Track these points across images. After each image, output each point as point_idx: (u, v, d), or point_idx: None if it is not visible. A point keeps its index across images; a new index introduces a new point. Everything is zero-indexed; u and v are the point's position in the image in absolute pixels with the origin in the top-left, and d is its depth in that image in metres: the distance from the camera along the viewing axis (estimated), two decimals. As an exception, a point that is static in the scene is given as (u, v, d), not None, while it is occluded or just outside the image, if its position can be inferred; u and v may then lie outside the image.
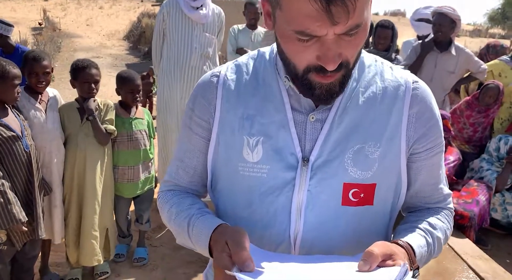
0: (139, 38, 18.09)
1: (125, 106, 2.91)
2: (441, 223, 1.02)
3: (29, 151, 2.34)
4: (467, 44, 22.96)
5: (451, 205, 1.10)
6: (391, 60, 4.02)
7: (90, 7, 29.19)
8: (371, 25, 4.35)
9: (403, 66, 3.20)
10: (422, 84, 0.99)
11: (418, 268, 0.85)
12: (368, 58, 0.99)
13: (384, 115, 0.94)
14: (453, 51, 3.80)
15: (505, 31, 32.19)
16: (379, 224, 1.00)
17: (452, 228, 1.06)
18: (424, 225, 0.98)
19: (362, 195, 0.94)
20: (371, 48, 4.08)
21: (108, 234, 2.80)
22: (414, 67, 3.80)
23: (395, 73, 0.98)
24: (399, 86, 0.96)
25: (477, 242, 3.47)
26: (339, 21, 0.74)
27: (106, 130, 2.66)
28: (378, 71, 0.97)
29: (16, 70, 2.30)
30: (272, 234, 0.96)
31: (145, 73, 7.24)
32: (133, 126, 2.88)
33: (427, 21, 4.42)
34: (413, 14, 4.84)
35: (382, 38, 3.97)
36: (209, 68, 3.65)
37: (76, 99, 2.71)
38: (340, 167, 0.92)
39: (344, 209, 0.94)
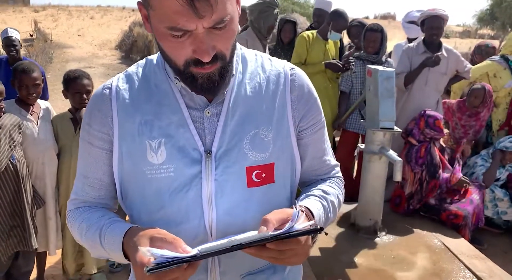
0: (131, 47, 18.10)
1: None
2: (333, 189, 1.16)
3: (15, 162, 2.33)
4: (457, 45, 23.13)
5: (339, 174, 1.24)
6: (382, 63, 4.04)
7: (81, 18, 29.19)
8: (363, 28, 4.38)
9: (393, 70, 3.22)
10: (298, 71, 1.12)
11: (319, 229, 0.91)
12: (249, 53, 1.10)
13: (270, 101, 1.05)
14: (444, 53, 3.84)
15: (494, 32, 32.48)
16: (283, 199, 1.10)
17: (344, 194, 1.21)
18: (318, 192, 1.11)
19: (264, 175, 1.03)
20: (362, 52, 4.10)
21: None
22: (411, 77, 3.82)
23: (274, 64, 1.10)
24: (279, 74, 1.08)
25: (473, 241, 3.48)
26: (204, 14, 0.81)
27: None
28: (259, 64, 1.09)
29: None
30: (187, 228, 0.99)
31: None
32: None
33: (417, 24, 4.46)
34: (405, 16, 4.86)
35: (372, 42, 3.99)
36: None
37: (69, 110, 2.71)
38: (240, 153, 1.01)
39: (250, 190, 1.02)
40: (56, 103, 6.41)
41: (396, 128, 3.19)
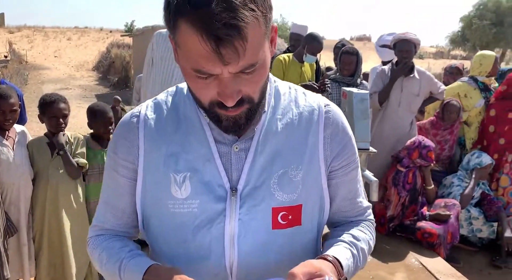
0: (109, 68, 18.05)
1: (97, 138, 2.90)
2: (364, 234, 1.08)
3: None
4: (430, 66, 23.75)
5: (371, 217, 1.16)
6: (357, 85, 4.13)
7: (57, 39, 29.00)
8: (339, 50, 4.48)
9: (369, 92, 3.30)
10: (334, 107, 1.06)
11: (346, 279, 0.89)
12: (283, 86, 1.05)
13: (302, 139, 1.00)
14: (416, 75, 3.95)
15: (466, 53, 33.49)
16: (309, 242, 1.05)
17: (375, 238, 1.14)
18: (348, 237, 1.04)
19: (290, 217, 0.98)
20: (337, 74, 4.19)
21: (91, 268, 2.74)
22: (385, 93, 3.92)
23: (309, 99, 1.05)
24: (313, 110, 1.03)
25: (449, 259, 3.53)
26: (230, 61, 0.78)
27: (77, 164, 2.63)
28: (293, 98, 1.04)
29: None
30: (208, 266, 0.97)
31: (111, 106, 7.22)
32: (105, 158, 2.85)
33: (389, 47, 4.59)
34: (378, 40, 5.01)
35: (347, 64, 4.09)
36: None
37: (45, 134, 2.69)
38: (267, 193, 0.96)
39: (275, 232, 0.98)
40: (31, 126, 6.31)
41: (371, 149, 3.25)
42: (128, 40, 18.87)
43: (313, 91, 4.14)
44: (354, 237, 1.05)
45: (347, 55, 4.10)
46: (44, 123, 2.68)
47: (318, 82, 4.16)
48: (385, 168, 3.85)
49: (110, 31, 32.82)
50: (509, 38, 28.33)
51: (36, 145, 2.62)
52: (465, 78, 4.36)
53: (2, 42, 23.16)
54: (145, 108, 1.03)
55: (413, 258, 3.31)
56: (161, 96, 1.05)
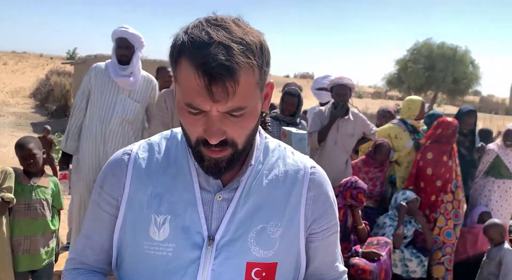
0: (47, 96, 17.43)
1: (28, 173, 2.77)
2: None
3: None
4: (368, 106, 24.82)
5: None
6: (297, 124, 4.26)
7: (-7, 63, 27.74)
8: (284, 89, 4.61)
9: (307, 131, 3.39)
10: (319, 170, 1.09)
11: None
12: (273, 143, 1.09)
13: (285, 197, 1.02)
14: (351, 117, 4.13)
15: (402, 94, 35.36)
16: None
17: None
18: None
19: (264, 274, 0.98)
20: (278, 113, 4.30)
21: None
22: (324, 133, 4.06)
23: (296, 158, 1.08)
24: (298, 170, 1.05)
25: (382, 297, 3.61)
26: (219, 99, 0.84)
27: (3, 199, 2.49)
28: (281, 156, 1.07)
29: None
30: None
31: (40, 135, 6.98)
32: (33, 194, 2.73)
33: (326, 89, 4.78)
34: (314, 83, 5.21)
35: (289, 105, 4.24)
36: (135, 135, 3.61)
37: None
38: (243, 246, 0.97)
39: None
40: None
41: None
42: (70, 68, 18.38)
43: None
44: None
45: (289, 97, 4.25)
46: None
47: (260, 121, 4.24)
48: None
49: (51, 58, 31.89)
50: (440, 82, 30.30)
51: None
52: (395, 121, 4.64)
53: None
54: (137, 147, 1.06)
55: (347, 296, 3.36)
56: (155, 138, 1.08)
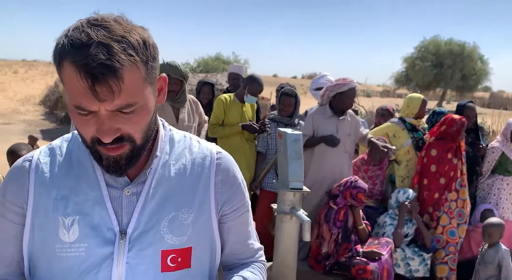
0: (56, 103, 17.58)
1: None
2: (254, 275, 1.15)
3: None
4: (376, 104, 24.62)
5: (263, 258, 1.25)
6: (295, 125, 4.27)
7: (3, 72, 28.08)
8: (278, 91, 4.62)
9: (301, 133, 3.38)
10: (225, 154, 1.14)
11: None
12: (178, 134, 1.12)
13: (194, 183, 1.06)
14: (348, 117, 4.11)
15: (410, 92, 35.17)
16: None
17: (265, 278, 1.20)
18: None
19: (179, 260, 1.02)
20: (276, 114, 4.30)
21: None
22: (311, 144, 4.01)
23: (202, 146, 1.13)
24: (205, 157, 1.10)
25: (384, 297, 3.59)
26: (105, 99, 0.85)
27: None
28: (187, 146, 1.11)
29: None
30: None
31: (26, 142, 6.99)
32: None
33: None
34: (312, 83, 5.12)
35: (287, 106, 4.23)
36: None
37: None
38: (157, 236, 0.99)
39: (164, 275, 1.00)
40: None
41: (305, 188, 3.31)
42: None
43: (253, 131, 4.23)
44: (244, 278, 1.10)
45: (286, 97, 4.24)
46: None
47: (259, 123, 4.26)
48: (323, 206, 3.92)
49: (60, 65, 32.15)
50: (448, 79, 30.07)
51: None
52: (394, 119, 4.60)
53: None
54: (39, 153, 1.05)
55: (348, 296, 3.35)
56: (56, 142, 1.08)
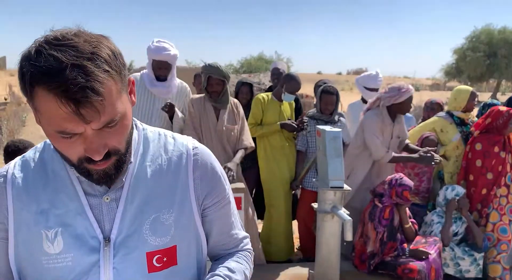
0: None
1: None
2: (239, 265, 1.16)
3: None
4: (425, 99, 23.83)
5: (249, 246, 1.26)
6: (335, 122, 4.18)
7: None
8: (317, 87, 4.55)
9: (340, 130, 3.30)
10: (201, 148, 1.13)
11: None
12: (152, 132, 1.11)
13: (172, 183, 1.05)
14: (401, 119, 3.95)
15: (461, 84, 33.89)
16: (190, 279, 1.10)
17: (252, 267, 1.23)
18: (224, 271, 1.10)
19: (165, 259, 1.03)
20: (315, 112, 4.24)
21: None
22: (400, 160, 3.87)
23: (177, 143, 1.11)
24: (181, 155, 1.09)
25: (433, 298, 3.46)
26: (91, 119, 0.84)
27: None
28: (162, 144, 1.09)
29: None
30: None
31: None
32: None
33: (377, 90, 4.62)
34: (363, 80, 4.84)
35: (329, 104, 4.16)
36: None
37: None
38: (140, 239, 1.00)
39: (151, 275, 1.01)
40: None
41: (346, 186, 3.24)
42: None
43: (291, 129, 4.18)
44: (229, 269, 1.11)
45: (327, 95, 4.16)
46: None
47: (297, 121, 4.21)
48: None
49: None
50: (503, 69, 28.68)
51: None
52: (442, 114, 4.39)
53: (3, 85, 23.48)
54: (13, 167, 1.04)
55: (393, 297, 3.24)
56: (30, 154, 1.07)
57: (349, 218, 2.99)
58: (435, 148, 4.10)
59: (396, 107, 3.81)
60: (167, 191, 1.04)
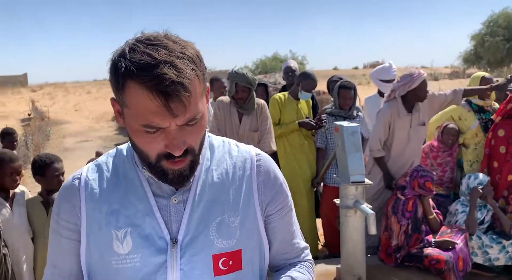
0: (127, 118, 18.48)
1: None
2: (303, 275, 1.15)
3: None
4: (443, 88, 23.48)
5: (309, 257, 1.25)
6: (353, 117, 4.19)
7: (77, 93, 29.95)
8: (334, 84, 4.56)
9: (358, 125, 3.31)
10: (264, 156, 1.16)
11: None
12: (217, 140, 1.15)
13: (237, 187, 1.08)
14: (420, 105, 3.90)
15: (481, 70, 33.23)
16: None
17: (313, 277, 1.20)
18: None
19: (230, 262, 1.04)
20: (333, 108, 4.25)
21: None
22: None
23: (241, 150, 1.14)
24: (245, 160, 1.12)
25: (463, 288, 3.43)
26: (178, 114, 0.89)
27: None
28: (226, 150, 1.13)
29: None
30: None
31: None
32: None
33: (391, 81, 4.59)
34: (378, 73, 4.85)
35: (348, 99, 4.17)
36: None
37: (39, 194, 2.79)
38: (206, 241, 1.02)
39: (217, 279, 1.03)
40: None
41: (367, 181, 3.25)
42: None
43: (310, 127, 4.20)
44: (292, 279, 1.11)
45: (345, 90, 4.18)
46: (39, 183, 2.79)
47: (315, 118, 4.23)
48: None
49: (128, 81, 33.70)
50: (524, 52, 28.10)
51: (31, 205, 2.72)
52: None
53: (26, 101, 24.05)
54: (86, 170, 1.09)
55: (422, 289, 3.24)
56: (102, 159, 1.12)
57: (372, 212, 3.00)
58: (457, 136, 4.07)
59: (412, 95, 3.80)
60: (232, 195, 1.07)
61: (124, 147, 1.12)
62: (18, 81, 35.01)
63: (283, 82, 5.43)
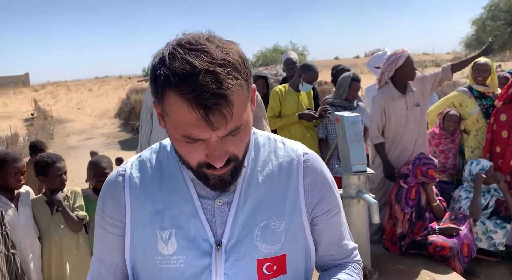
0: (129, 114, 18.49)
1: (98, 191, 3.01)
2: (350, 276, 1.11)
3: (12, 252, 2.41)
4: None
5: (358, 257, 1.20)
6: (354, 108, 4.19)
7: (79, 91, 30.03)
8: (339, 73, 4.56)
9: (359, 115, 3.31)
10: (312, 155, 1.09)
11: None
12: (263, 137, 1.09)
13: (282, 189, 1.03)
14: (413, 87, 3.90)
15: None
16: None
17: (361, 277, 1.15)
18: None
19: (275, 268, 1.01)
20: (335, 98, 4.24)
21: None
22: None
23: (287, 148, 1.08)
24: (292, 160, 1.06)
25: (468, 273, 3.44)
26: (218, 126, 0.84)
27: (77, 217, 2.74)
28: (272, 149, 1.07)
29: None
30: None
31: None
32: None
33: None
34: (373, 60, 4.94)
35: (357, 91, 4.22)
36: None
37: (43, 193, 2.81)
38: (251, 245, 0.99)
39: None
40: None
41: (369, 170, 3.26)
42: (146, 84, 19.40)
43: (311, 118, 4.19)
44: None
45: (356, 83, 4.19)
46: (43, 183, 2.82)
47: (319, 109, 4.22)
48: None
49: (129, 78, 33.83)
50: (526, 35, 27.88)
51: (35, 205, 2.75)
52: (461, 88, 4.37)
53: (28, 101, 24.14)
54: (130, 166, 1.07)
55: (427, 276, 3.25)
56: (146, 154, 1.09)
57: (375, 201, 3.01)
58: (458, 122, 4.06)
59: (401, 73, 3.81)
60: (278, 198, 1.02)
61: (167, 142, 1.08)
62: (20, 81, 35.10)
63: (285, 74, 5.42)
